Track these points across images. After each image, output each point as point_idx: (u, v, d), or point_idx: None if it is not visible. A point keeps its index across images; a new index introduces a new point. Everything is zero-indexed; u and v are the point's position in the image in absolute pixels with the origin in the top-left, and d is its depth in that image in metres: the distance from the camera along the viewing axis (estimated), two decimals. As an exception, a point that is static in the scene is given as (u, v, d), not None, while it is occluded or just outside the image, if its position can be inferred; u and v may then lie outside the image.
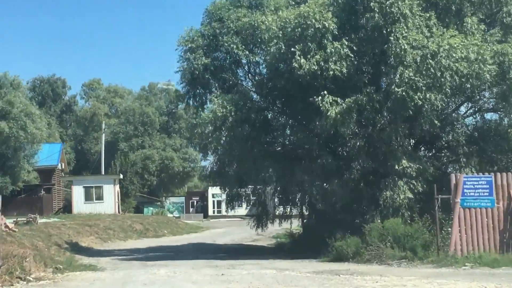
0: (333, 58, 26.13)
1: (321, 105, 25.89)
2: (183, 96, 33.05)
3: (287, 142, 32.43)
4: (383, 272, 20.62)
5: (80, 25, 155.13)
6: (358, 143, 28.00)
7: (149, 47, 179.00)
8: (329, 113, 25.64)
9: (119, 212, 64.03)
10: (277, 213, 37.69)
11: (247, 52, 30.92)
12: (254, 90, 32.75)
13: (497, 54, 25.85)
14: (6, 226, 29.95)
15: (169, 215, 78.85)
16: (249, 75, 33.18)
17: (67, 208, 63.82)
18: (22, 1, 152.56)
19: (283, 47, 27.24)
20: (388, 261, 23.28)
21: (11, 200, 58.75)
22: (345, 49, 26.24)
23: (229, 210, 46.13)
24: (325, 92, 26.10)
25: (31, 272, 20.53)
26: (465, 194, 23.23)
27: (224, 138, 29.50)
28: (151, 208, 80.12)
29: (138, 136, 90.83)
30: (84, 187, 63.85)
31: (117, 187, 66.04)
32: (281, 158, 31.17)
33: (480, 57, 24.93)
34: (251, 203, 39.76)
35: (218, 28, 31.27)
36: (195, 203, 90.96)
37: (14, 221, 36.76)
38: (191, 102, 32.74)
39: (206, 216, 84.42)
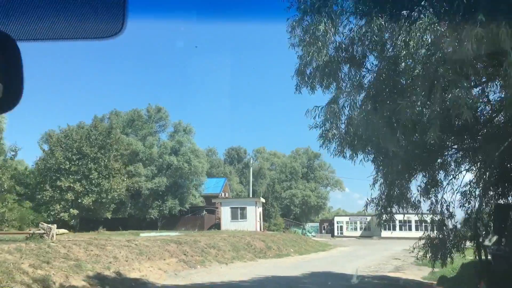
0: None
1: None
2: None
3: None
4: None
5: (258, 111, 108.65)
6: None
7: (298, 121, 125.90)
8: None
9: (260, 230, 38.10)
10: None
11: None
12: None
13: None
14: None
15: (308, 234, 53.87)
16: None
17: (218, 225, 39.13)
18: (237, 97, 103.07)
19: None
20: None
21: (179, 218, 41.68)
22: None
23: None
24: None
25: None
26: None
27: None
28: (295, 229, 54.96)
29: (287, 181, 72.18)
30: (231, 207, 38.75)
31: (260, 209, 40.69)
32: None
33: None
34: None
35: None
36: (325, 227, 70.01)
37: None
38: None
39: (332, 235, 63.50)
